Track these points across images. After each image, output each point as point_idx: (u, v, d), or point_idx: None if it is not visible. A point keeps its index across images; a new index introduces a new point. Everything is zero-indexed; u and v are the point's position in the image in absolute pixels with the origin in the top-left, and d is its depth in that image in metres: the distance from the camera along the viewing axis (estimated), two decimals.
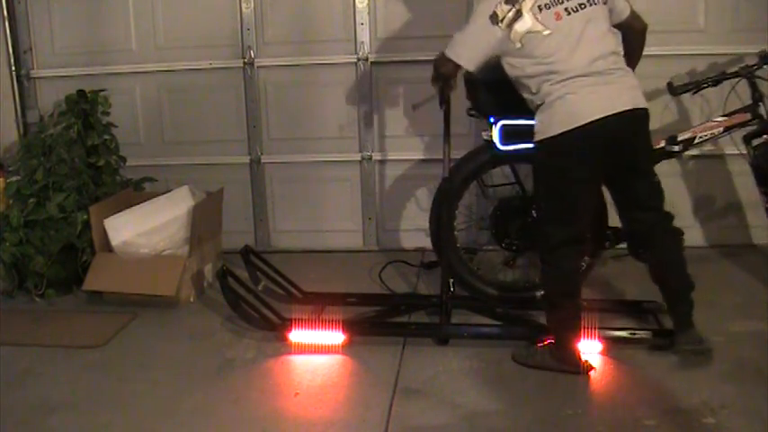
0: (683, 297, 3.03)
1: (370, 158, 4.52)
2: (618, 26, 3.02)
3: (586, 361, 2.92)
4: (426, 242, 3.72)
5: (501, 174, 3.69)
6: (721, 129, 3.50)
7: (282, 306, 3.54)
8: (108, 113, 4.26)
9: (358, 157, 4.53)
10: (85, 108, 4.15)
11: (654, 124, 3.01)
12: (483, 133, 3.47)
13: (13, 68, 4.59)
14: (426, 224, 3.70)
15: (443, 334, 3.30)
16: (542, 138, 2.85)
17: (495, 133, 3.32)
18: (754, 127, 3.54)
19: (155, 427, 2.74)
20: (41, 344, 3.46)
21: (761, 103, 3.51)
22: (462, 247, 3.75)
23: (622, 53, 2.93)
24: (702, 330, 3.04)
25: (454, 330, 3.34)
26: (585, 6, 2.80)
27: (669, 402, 2.74)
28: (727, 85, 3.62)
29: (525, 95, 2.97)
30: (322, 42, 4.42)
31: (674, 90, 3.58)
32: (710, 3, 4.16)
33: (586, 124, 2.72)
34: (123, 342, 3.47)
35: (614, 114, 2.74)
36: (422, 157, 4.44)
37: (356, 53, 4.39)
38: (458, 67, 3.02)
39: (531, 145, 3.28)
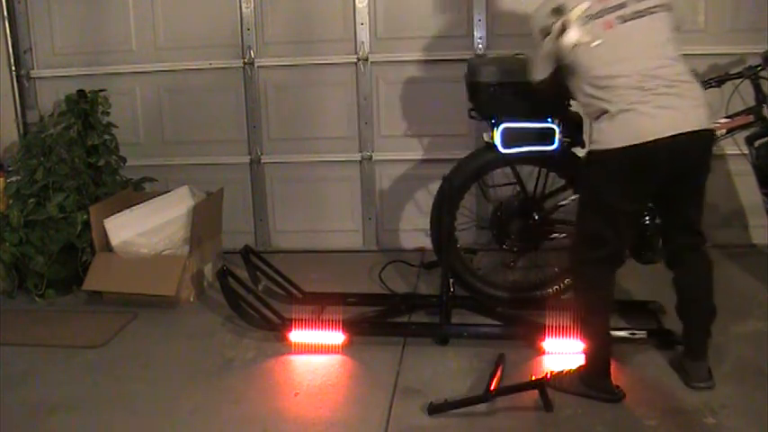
0: (702, 325, 2.87)
1: (370, 158, 4.51)
2: None
3: (619, 387, 2.78)
4: (426, 242, 3.72)
5: (502, 174, 3.68)
6: (724, 131, 3.49)
7: (282, 306, 3.53)
8: (108, 113, 4.26)
9: (358, 157, 4.53)
10: (85, 108, 4.15)
11: None
12: (484, 135, 3.46)
13: (13, 68, 4.59)
14: (426, 224, 3.69)
15: (443, 334, 3.30)
16: (599, 149, 2.65)
17: (497, 136, 3.30)
18: (757, 128, 3.53)
19: (155, 427, 2.74)
20: (41, 344, 3.46)
21: (764, 105, 3.50)
22: (463, 247, 3.75)
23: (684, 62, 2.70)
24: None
25: (454, 330, 3.34)
26: (644, 15, 2.62)
27: (669, 402, 2.74)
28: (729, 85, 3.61)
29: (582, 101, 2.77)
30: (322, 42, 4.42)
31: None
32: (710, 3, 4.16)
33: (652, 141, 2.54)
34: (123, 342, 3.47)
35: (683, 134, 2.56)
36: (422, 158, 4.43)
37: (356, 53, 4.39)
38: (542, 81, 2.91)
39: (532, 148, 3.26)
